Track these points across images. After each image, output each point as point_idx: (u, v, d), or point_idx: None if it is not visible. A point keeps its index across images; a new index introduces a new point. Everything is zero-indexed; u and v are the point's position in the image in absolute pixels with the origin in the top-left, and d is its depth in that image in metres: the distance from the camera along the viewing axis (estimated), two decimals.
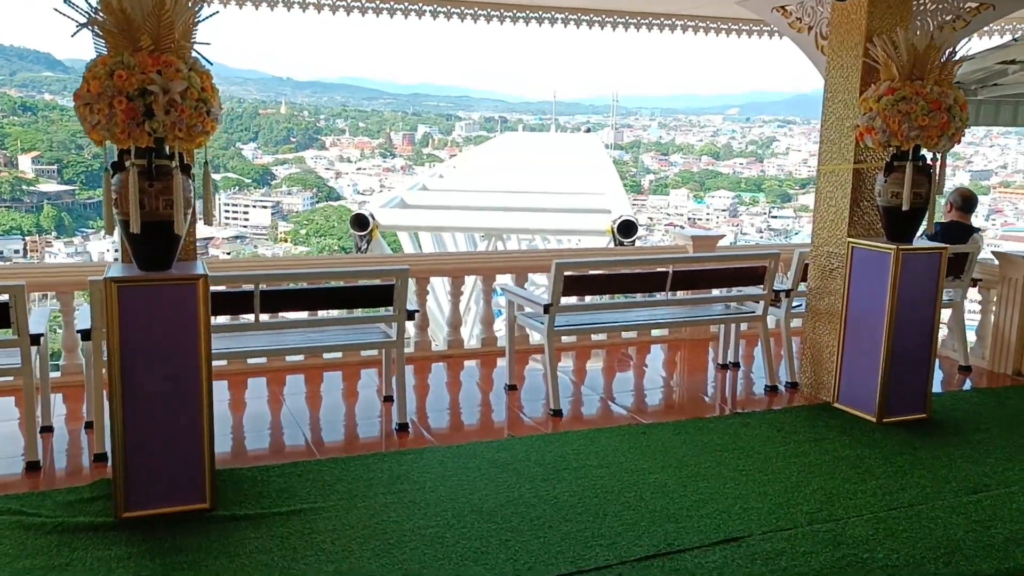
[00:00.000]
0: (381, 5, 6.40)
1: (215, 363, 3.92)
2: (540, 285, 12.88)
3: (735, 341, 6.54)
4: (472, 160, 15.96)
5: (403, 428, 5.00)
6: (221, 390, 5.77)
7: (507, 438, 4.97)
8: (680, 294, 6.37)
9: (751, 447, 4.86)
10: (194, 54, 3.67)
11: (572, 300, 5.82)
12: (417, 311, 5.42)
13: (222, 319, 5.36)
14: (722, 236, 7.68)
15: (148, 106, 3.45)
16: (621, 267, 6.12)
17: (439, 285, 10.52)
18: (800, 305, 6.23)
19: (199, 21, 3.76)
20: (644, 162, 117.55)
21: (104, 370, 3.97)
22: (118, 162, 3.64)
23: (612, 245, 9.32)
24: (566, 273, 5.37)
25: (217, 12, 4.05)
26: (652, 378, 6.57)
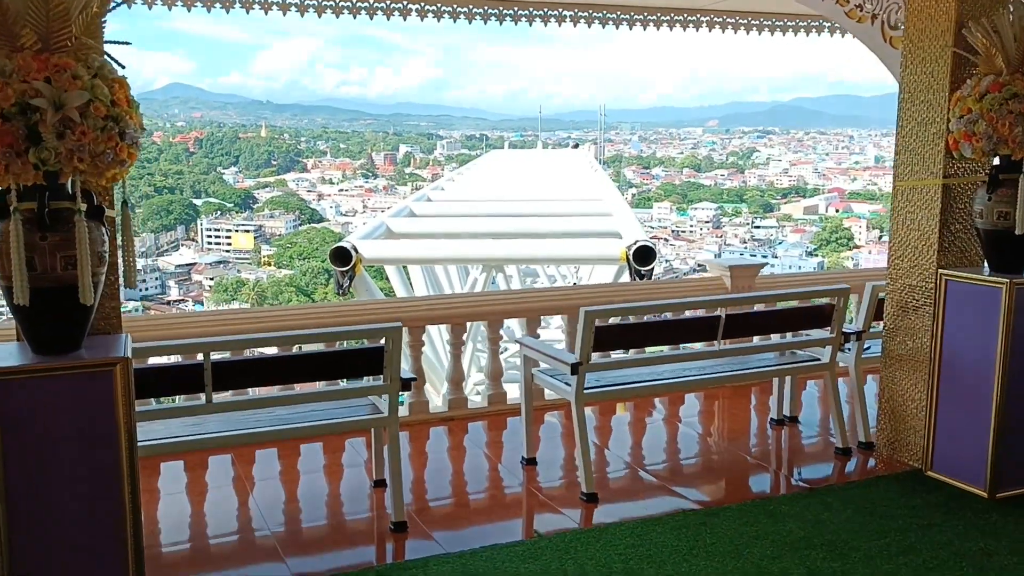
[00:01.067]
0: (357, 4, 5.45)
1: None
2: (553, 327, 11.71)
3: (792, 392, 5.53)
4: (461, 181, 14.62)
5: (400, 528, 3.92)
6: (175, 473, 4.70)
7: (533, 538, 3.90)
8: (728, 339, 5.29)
9: (842, 540, 3.83)
10: (104, 56, 2.64)
11: (603, 353, 4.91)
12: (414, 379, 4.34)
13: (166, 398, 4.29)
14: (763, 264, 6.75)
15: (32, 127, 2.41)
16: (660, 312, 5.16)
17: (436, 333, 9.52)
18: (871, 348, 5.20)
19: (110, 9, 2.71)
20: (626, 176, 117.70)
21: None
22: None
23: (628, 275, 8.12)
24: (598, 323, 4.34)
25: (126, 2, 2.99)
26: (692, 437, 5.55)
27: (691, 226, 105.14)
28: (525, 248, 9.66)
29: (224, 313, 6.41)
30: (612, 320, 5.08)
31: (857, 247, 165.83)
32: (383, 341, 3.86)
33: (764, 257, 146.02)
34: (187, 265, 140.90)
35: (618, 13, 7.18)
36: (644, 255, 7.91)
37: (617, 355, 5.23)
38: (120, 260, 2.95)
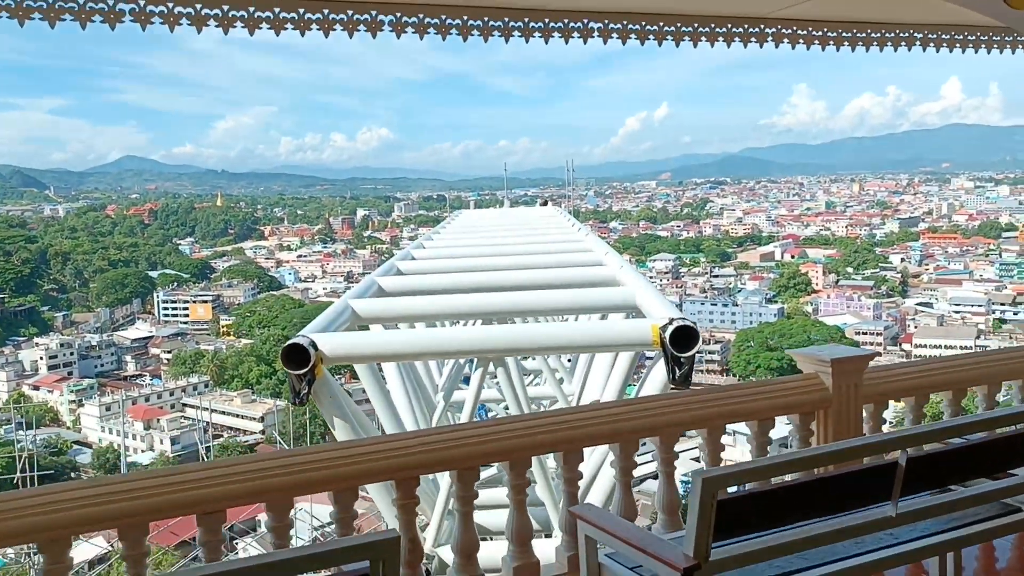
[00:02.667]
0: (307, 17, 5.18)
1: None
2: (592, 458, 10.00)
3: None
4: (432, 248, 12.40)
5: None
6: None
7: None
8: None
9: None
10: None
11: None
12: None
13: None
14: (874, 355, 5.20)
15: None
16: (804, 465, 3.67)
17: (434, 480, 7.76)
18: None
19: None
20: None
21: None
22: None
23: (665, 365, 6.02)
24: (721, 497, 3.02)
25: None
26: None
27: (651, 277, 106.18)
28: (529, 336, 7.67)
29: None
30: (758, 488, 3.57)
31: (815, 292, 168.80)
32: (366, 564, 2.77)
33: (725, 305, 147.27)
34: (144, 339, 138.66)
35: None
36: (685, 338, 5.95)
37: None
38: None
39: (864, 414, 4.69)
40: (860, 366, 4.74)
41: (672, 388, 6.24)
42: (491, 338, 6.61)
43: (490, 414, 14.76)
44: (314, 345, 6.07)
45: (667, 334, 5.98)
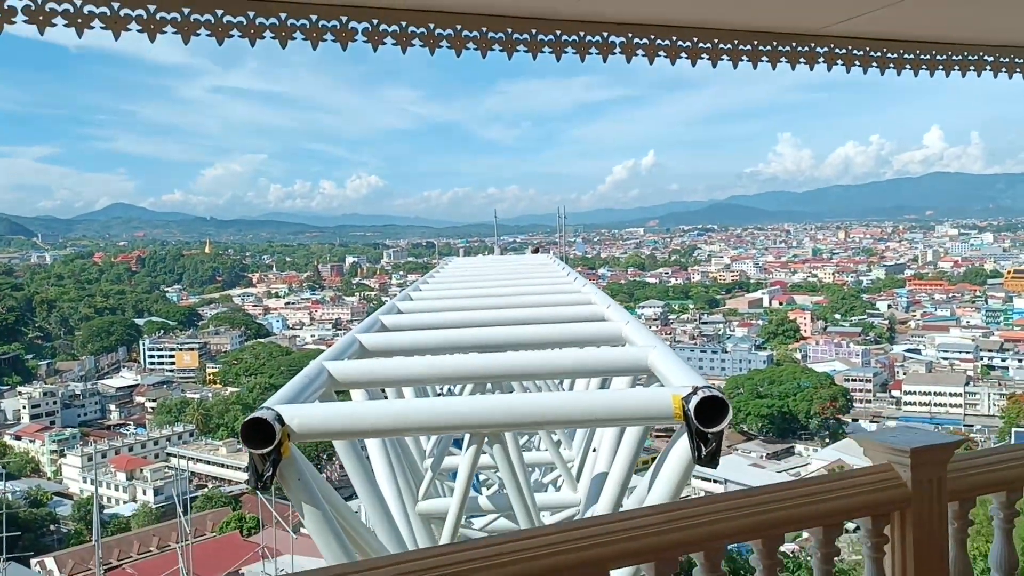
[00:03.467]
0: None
1: None
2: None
3: None
4: (421, 299, 10.92)
5: None
6: None
7: None
8: None
9: None
10: None
11: None
12: None
13: None
14: (960, 442, 4.48)
15: None
16: None
17: None
18: None
19: None
20: None
21: None
22: None
23: (689, 442, 5.16)
24: None
25: None
26: None
27: None
28: (531, 407, 5.64)
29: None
30: None
31: (804, 338, 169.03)
32: None
33: (714, 352, 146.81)
34: (128, 387, 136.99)
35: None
36: (712, 411, 5.10)
37: None
38: None
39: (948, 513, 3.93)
40: (945, 456, 3.99)
41: (697, 465, 5.22)
42: (488, 411, 5.57)
43: (485, 485, 14.01)
44: (280, 419, 5.09)
45: (692, 406, 5.09)
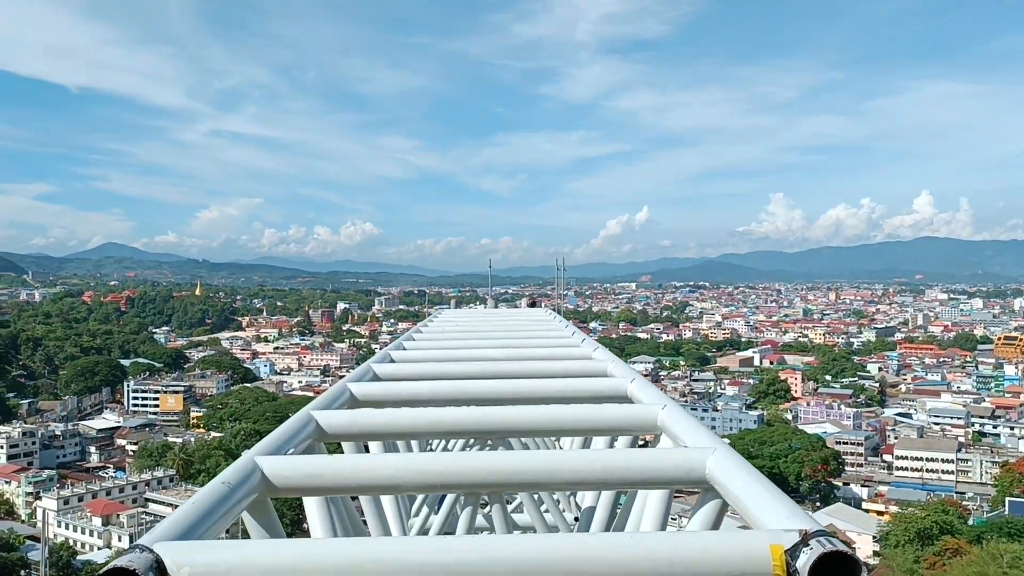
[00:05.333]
0: None
1: None
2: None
3: None
4: (414, 349, 9.63)
5: None
6: None
7: None
8: None
9: None
10: None
11: None
12: None
13: None
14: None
15: None
16: None
17: None
18: None
19: None
20: None
21: None
22: None
23: None
24: None
25: None
26: None
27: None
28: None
29: None
30: None
31: (795, 399, 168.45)
32: None
33: (704, 411, 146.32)
34: (110, 429, 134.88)
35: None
36: (843, 569, 3.10)
37: None
38: None
39: None
40: None
41: None
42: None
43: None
44: (160, 568, 3.08)
45: (803, 565, 3.08)
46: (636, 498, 6.23)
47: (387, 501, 8.03)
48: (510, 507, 11.03)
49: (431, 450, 11.05)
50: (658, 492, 4.77)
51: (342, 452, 6.21)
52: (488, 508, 6.04)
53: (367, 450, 7.63)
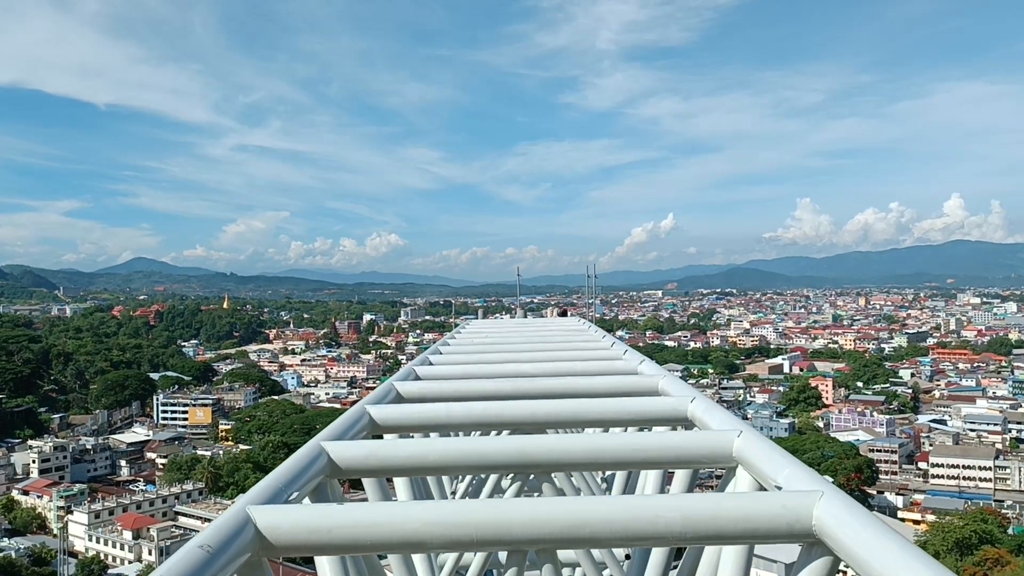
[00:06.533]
0: None
1: None
2: None
3: None
4: (442, 364, 8.72)
5: None
6: None
7: None
8: None
9: None
10: None
11: None
12: None
13: None
14: None
15: None
16: None
17: None
18: None
19: None
20: None
21: None
22: None
23: None
24: None
25: None
26: None
27: None
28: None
29: None
30: None
31: (826, 406, 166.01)
32: None
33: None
34: (140, 443, 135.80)
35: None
36: None
37: None
38: None
39: None
40: None
41: None
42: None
43: None
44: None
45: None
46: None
47: (418, 560, 7.24)
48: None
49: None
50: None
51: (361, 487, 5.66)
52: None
53: (390, 483, 6.87)
